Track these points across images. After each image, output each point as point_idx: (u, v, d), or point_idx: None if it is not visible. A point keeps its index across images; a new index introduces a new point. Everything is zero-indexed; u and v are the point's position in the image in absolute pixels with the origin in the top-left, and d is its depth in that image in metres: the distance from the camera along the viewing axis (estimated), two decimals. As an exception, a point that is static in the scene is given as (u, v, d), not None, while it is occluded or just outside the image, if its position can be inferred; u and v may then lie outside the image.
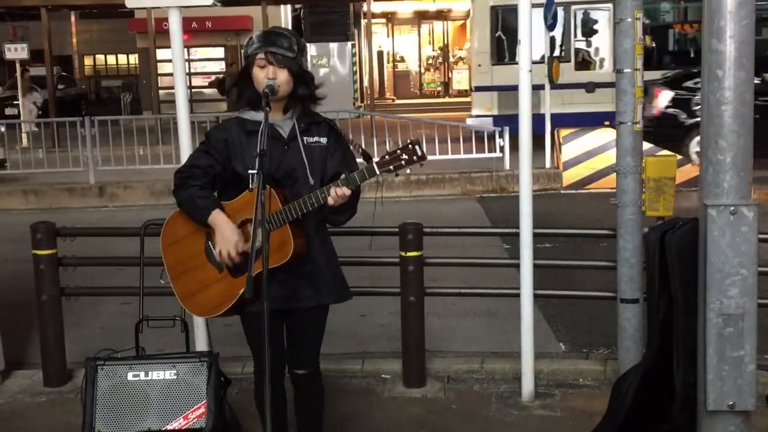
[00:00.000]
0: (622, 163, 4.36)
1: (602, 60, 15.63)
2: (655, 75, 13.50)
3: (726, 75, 2.99)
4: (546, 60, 12.31)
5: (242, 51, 3.39)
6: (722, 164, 3.01)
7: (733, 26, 2.96)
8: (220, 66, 26.30)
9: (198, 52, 25.49)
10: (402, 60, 33.37)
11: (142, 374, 3.73)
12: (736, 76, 2.98)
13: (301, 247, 3.26)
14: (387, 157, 3.14)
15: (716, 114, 3.00)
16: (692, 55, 15.58)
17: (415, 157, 3.12)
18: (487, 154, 13.00)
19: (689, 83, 12.54)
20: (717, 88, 3.00)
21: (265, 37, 3.31)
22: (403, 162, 3.13)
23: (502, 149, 12.64)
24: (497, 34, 15.56)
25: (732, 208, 2.97)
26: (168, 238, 3.47)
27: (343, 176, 3.17)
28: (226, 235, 3.24)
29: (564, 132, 12.09)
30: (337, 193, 3.15)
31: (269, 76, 3.25)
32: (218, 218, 3.26)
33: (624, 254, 4.43)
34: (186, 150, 4.58)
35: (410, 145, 3.13)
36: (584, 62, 15.81)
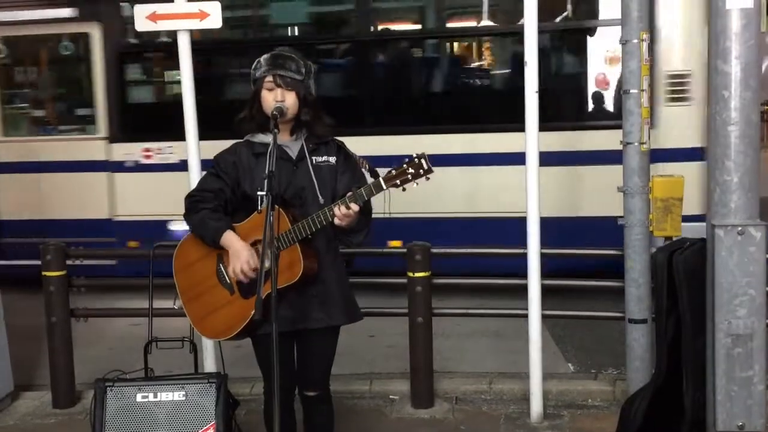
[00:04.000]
0: (630, 183, 4.36)
1: None
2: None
3: (732, 96, 3.00)
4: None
5: (250, 73, 3.39)
6: (729, 184, 3.02)
7: (739, 47, 2.97)
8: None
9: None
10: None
11: (150, 395, 3.73)
12: (742, 97, 2.99)
13: (310, 267, 3.25)
14: (393, 171, 3.10)
15: (723, 134, 3.01)
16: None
17: (421, 171, 3.07)
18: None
19: None
20: (723, 109, 3.01)
21: (273, 59, 3.32)
22: (409, 176, 3.08)
23: None
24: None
25: (740, 228, 2.97)
26: (180, 262, 3.48)
27: (349, 193, 3.14)
28: (239, 252, 3.24)
29: None
30: (342, 210, 3.12)
31: (277, 98, 3.26)
32: (230, 238, 3.27)
33: (632, 274, 4.43)
34: (195, 172, 4.60)
35: (416, 159, 3.09)
36: None
